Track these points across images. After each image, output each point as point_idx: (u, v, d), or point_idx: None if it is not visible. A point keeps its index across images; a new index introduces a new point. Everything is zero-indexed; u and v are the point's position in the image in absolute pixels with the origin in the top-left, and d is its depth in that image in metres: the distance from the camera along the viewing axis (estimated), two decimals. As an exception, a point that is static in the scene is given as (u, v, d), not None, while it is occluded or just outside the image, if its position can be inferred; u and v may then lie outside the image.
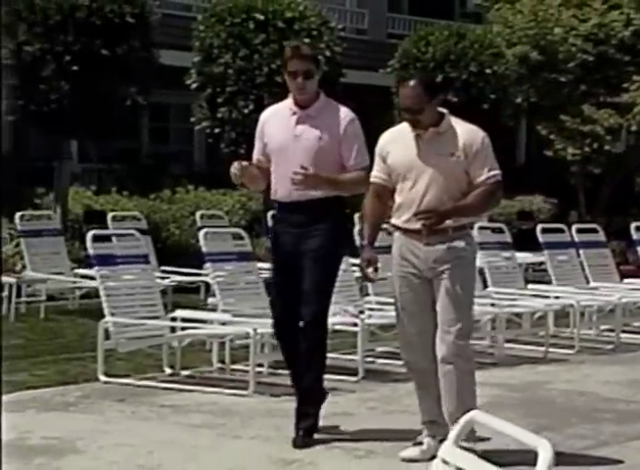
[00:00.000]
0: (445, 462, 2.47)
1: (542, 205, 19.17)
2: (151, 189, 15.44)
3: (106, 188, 15.45)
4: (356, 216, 8.67)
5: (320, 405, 5.94)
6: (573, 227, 11.20)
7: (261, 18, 13.77)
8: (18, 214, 10.87)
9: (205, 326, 7.93)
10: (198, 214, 12.74)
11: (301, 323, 5.78)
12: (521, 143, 22.67)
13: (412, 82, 5.53)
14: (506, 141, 19.77)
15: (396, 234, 5.64)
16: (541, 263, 11.35)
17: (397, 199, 5.58)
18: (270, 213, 6.21)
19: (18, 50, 12.20)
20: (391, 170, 5.59)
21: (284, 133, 5.85)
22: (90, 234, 7.92)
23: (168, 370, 7.75)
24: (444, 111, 5.60)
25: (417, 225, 5.44)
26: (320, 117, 5.85)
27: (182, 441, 5.90)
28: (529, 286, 10.31)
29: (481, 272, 9.88)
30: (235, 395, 7.14)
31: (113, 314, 7.49)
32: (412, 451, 5.50)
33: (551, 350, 9.04)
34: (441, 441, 5.01)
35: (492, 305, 9.22)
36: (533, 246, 11.28)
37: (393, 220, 5.63)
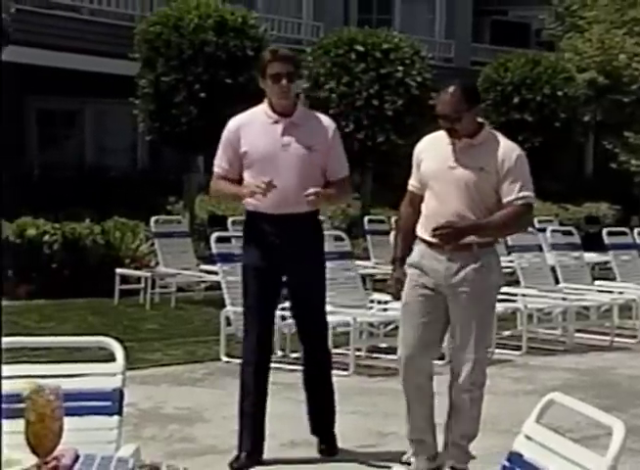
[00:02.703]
0: (529, 438, 2.42)
1: (607, 211, 18.85)
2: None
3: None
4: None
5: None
6: (635, 230, 10.97)
7: (361, 49, 13.79)
8: (153, 219, 11.01)
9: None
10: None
11: (305, 347, 5.09)
12: (589, 156, 22.27)
13: (451, 88, 4.53)
14: (576, 155, 19.53)
15: (418, 244, 4.69)
16: (606, 262, 11.09)
17: (423, 209, 4.67)
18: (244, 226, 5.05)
19: (156, 80, 12.41)
20: (422, 179, 4.68)
21: (269, 142, 4.79)
22: (214, 236, 7.99)
23: (280, 352, 7.77)
24: (484, 122, 4.66)
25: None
26: (305, 125, 4.87)
27: (291, 413, 5.90)
28: (596, 282, 10.10)
29: (553, 270, 9.74)
30: (337, 375, 7.08)
31: (233, 304, 7.53)
32: None
33: (616, 339, 8.84)
34: (428, 459, 4.66)
35: (563, 299, 9.09)
36: (599, 247, 11.06)
37: (418, 231, 4.69)
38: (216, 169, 4.93)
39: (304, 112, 5.00)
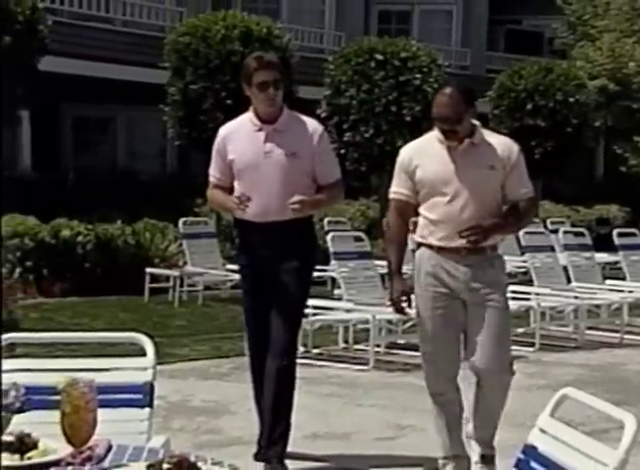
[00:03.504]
0: (543, 431, 2.40)
1: (617, 213, 18.73)
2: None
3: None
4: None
5: (288, 432, 4.63)
6: (645, 232, 10.91)
7: (381, 58, 13.76)
8: (181, 220, 11.03)
9: (332, 313, 7.92)
10: (325, 221, 12.76)
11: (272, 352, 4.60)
12: (599, 160, 22.14)
13: (449, 90, 4.28)
14: (587, 159, 19.41)
15: (423, 251, 4.37)
16: (616, 262, 11.02)
17: (429, 215, 4.33)
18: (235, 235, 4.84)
19: (185, 88, 12.44)
20: (422, 185, 4.33)
21: (252, 150, 4.53)
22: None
23: (302, 348, 7.76)
24: (476, 122, 4.40)
25: (456, 243, 4.26)
26: (289, 131, 4.54)
27: (314, 406, 5.90)
28: (607, 281, 10.04)
29: (565, 269, 9.69)
30: (357, 370, 7.12)
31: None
32: None
33: (626, 336, 8.78)
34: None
35: (575, 297, 9.04)
36: (610, 247, 10.99)
37: (420, 239, 4.38)
38: (211, 178, 4.71)
39: (290, 117, 4.59)
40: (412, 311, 4.46)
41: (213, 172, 4.69)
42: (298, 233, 4.56)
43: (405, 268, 4.55)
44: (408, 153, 4.42)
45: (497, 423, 4.46)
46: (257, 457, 4.68)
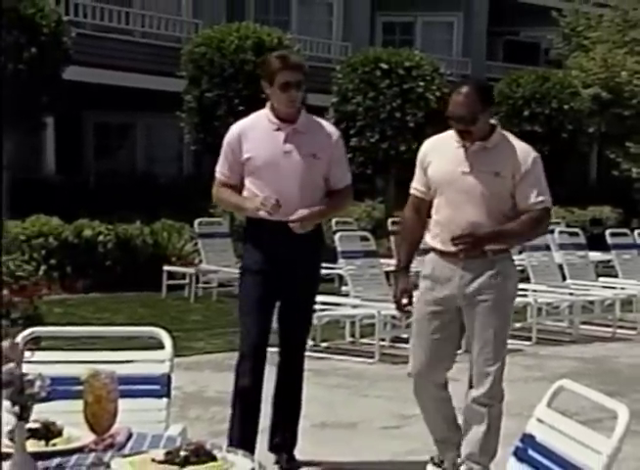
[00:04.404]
0: (540, 421, 2.40)
1: (610, 214, 18.67)
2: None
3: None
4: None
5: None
6: (636, 232, 10.87)
7: (386, 67, 13.76)
8: (196, 221, 11.03)
9: (340, 308, 7.91)
10: (333, 221, 12.72)
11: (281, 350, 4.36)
12: (593, 164, 22.07)
13: (465, 89, 3.87)
14: (581, 163, 19.36)
15: (430, 254, 4.06)
16: (609, 261, 10.99)
17: (434, 216, 4.02)
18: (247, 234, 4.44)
19: (200, 96, 12.44)
20: (431, 183, 4.01)
21: (271, 149, 4.21)
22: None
23: (311, 342, 7.75)
24: (495, 123, 4.00)
25: (453, 248, 3.89)
26: (309, 132, 4.26)
27: (322, 397, 5.89)
28: (600, 279, 10.02)
29: (561, 267, 9.68)
30: (363, 362, 7.11)
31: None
32: None
33: (618, 330, 8.78)
34: (458, 456, 4.05)
35: (570, 294, 9.06)
36: (603, 247, 10.95)
37: (429, 240, 4.06)
38: (218, 176, 4.37)
39: (308, 119, 4.31)
40: (412, 310, 4.17)
41: (222, 169, 4.34)
42: (310, 235, 4.25)
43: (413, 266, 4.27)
44: (426, 147, 4.09)
45: (489, 450, 4.00)
46: (269, 449, 4.54)
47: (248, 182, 4.28)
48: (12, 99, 10.30)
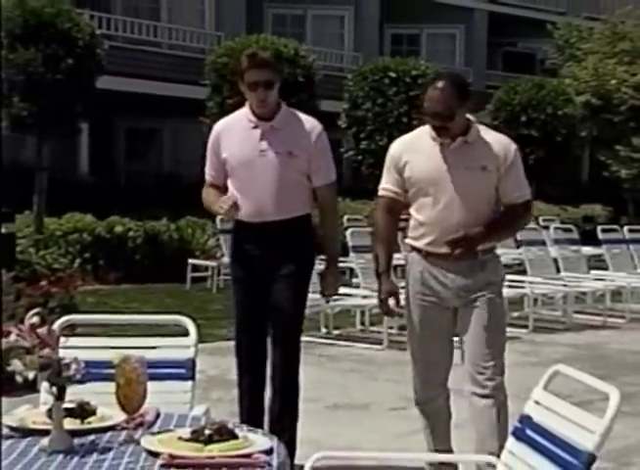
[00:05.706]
0: (537, 403, 2.38)
1: (601, 211, 18.64)
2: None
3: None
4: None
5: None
6: (625, 228, 10.82)
7: (394, 75, 13.74)
8: (218, 218, 11.01)
9: (351, 299, 7.90)
10: (345, 218, 12.74)
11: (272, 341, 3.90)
12: (585, 166, 22.00)
13: (441, 84, 3.44)
14: (574, 165, 19.28)
15: (413, 256, 3.60)
16: (600, 255, 10.94)
17: (417, 217, 3.55)
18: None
19: (222, 103, 12.42)
20: (410, 184, 3.54)
21: (247, 148, 3.77)
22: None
23: (324, 330, 7.76)
24: (472, 118, 3.55)
25: (443, 249, 3.47)
26: (286, 129, 3.77)
27: (336, 381, 5.89)
28: (592, 271, 9.98)
29: (555, 261, 9.63)
30: (372, 348, 7.10)
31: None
32: None
33: (608, 319, 8.75)
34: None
35: (564, 285, 9.02)
36: (594, 242, 10.92)
37: (411, 241, 3.59)
38: (206, 176, 3.96)
39: (288, 115, 3.82)
40: (401, 311, 3.70)
41: (208, 170, 3.93)
42: (295, 234, 3.79)
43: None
44: (399, 147, 3.61)
45: (503, 440, 3.37)
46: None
47: (228, 182, 3.85)
48: (50, 106, 10.36)
